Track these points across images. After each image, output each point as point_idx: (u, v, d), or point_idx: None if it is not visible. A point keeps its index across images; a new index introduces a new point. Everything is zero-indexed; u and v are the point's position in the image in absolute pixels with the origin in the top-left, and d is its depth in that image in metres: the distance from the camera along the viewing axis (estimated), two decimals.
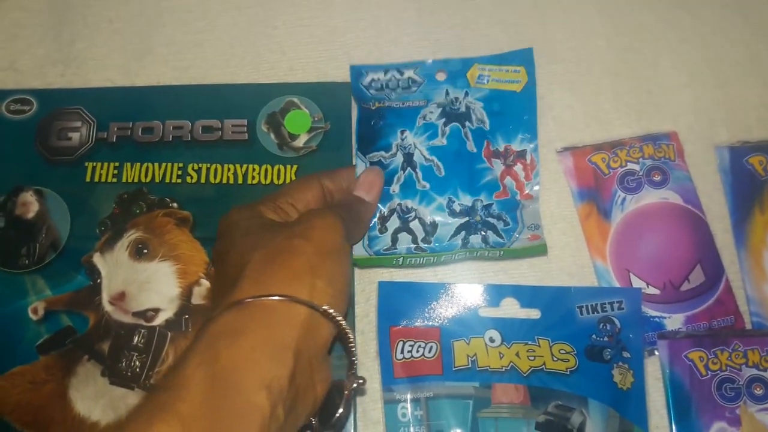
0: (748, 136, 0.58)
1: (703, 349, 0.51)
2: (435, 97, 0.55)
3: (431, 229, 0.52)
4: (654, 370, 0.52)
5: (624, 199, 0.56)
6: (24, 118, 0.57)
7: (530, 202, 0.54)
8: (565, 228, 0.55)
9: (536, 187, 0.54)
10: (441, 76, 0.56)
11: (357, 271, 0.54)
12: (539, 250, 0.53)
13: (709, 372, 0.51)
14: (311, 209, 0.47)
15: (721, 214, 0.56)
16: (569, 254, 0.55)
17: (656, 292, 0.53)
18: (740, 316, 0.53)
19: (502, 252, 0.52)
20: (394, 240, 0.52)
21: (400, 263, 0.52)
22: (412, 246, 0.52)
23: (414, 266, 0.53)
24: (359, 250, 0.52)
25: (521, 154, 0.54)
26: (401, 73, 0.55)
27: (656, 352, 0.52)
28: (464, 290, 0.51)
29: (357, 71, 0.56)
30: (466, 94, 0.55)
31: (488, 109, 0.55)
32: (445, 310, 0.51)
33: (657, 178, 0.56)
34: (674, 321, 0.53)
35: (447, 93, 0.55)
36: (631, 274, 0.54)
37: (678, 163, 0.56)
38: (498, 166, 0.54)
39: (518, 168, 0.54)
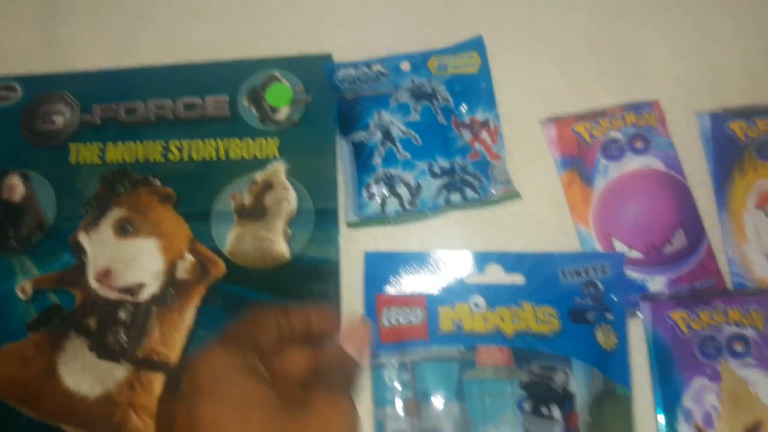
0: (729, 103, 0.58)
1: (685, 310, 0.52)
2: (402, 84, 0.58)
3: (416, 190, 0.54)
4: (637, 331, 0.52)
5: (607, 166, 0.56)
6: (9, 104, 0.58)
7: (498, 162, 0.56)
8: (549, 196, 0.56)
9: (502, 149, 0.56)
10: (405, 67, 0.58)
11: (344, 242, 0.54)
12: (513, 196, 0.55)
13: (691, 331, 0.51)
14: (318, 389, 0.38)
15: (703, 179, 0.56)
16: (553, 221, 0.55)
17: (639, 255, 0.54)
18: (721, 277, 0.53)
19: (480, 204, 0.55)
20: (383, 205, 0.54)
21: (391, 222, 0.54)
22: (400, 209, 0.54)
23: (404, 223, 0.55)
24: (351, 217, 0.54)
25: (485, 123, 0.57)
26: (369, 68, 0.58)
27: (639, 314, 0.52)
28: (449, 258, 0.52)
29: (329, 69, 0.58)
30: (429, 80, 0.58)
31: (450, 90, 0.58)
32: (430, 278, 0.51)
33: (639, 145, 0.56)
34: (657, 283, 0.53)
35: (412, 81, 0.58)
36: (614, 239, 0.54)
37: (660, 130, 0.57)
38: (467, 135, 0.56)
39: (484, 135, 0.57)
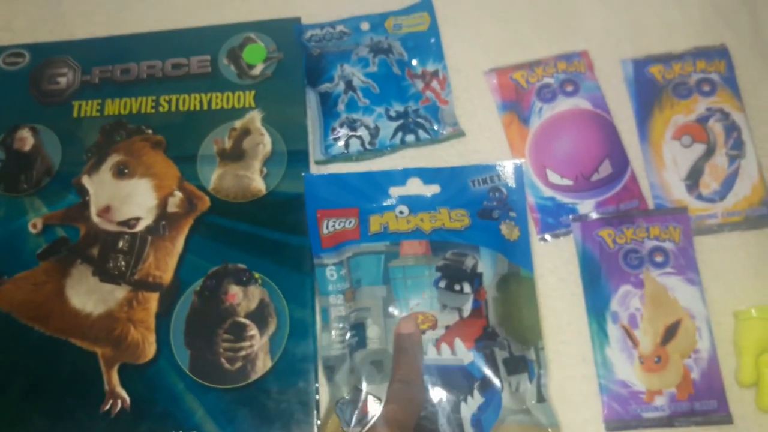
0: (649, 51, 0.66)
1: (611, 228, 0.59)
2: (362, 42, 0.66)
3: (375, 132, 0.62)
4: (569, 247, 0.60)
5: (541, 108, 0.64)
6: (18, 68, 0.66)
7: (447, 107, 0.64)
8: (491, 135, 0.64)
9: (450, 95, 0.64)
10: (365, 27, 0.67)
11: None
12: (459, 135, 0.63)
13: (617, 245, 0.59)
14: None
15: (627, 116, 0.64)
16: (494, 156, 0.63)
17: (570, 183, 0.61)
18: (644, 199, 0.61)
19: (431, 143, 0.63)
20: (347, 145, 0.62)
21: (354, 160, 0.63)
22: (361, 148, 0.62)
23: (365, 160, 0.63)
24: (318, 156, 0.62)
25: (434, 74, 0.65)
26: (333, 28, 0.67)
27: (571, 234, 0.60)
28: (378, 176, 0.60)
29: (299, 29, 0.66)
30: (386, 37, 0.66)
31: (404, 45, 0.66)
32: (362, 193, 0.59)
33: (569, 88, 0.64)
34: (586, 206, 0.61)
35: (371, 39, 0.66)
36: (547, 170, 0.62)
37: (588, 75, 0.65)
38: (419, 84, 0.65)
39: (434, 83, 0.65)
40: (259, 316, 0.57)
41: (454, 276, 0.55)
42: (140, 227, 0.60)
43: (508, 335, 0.54)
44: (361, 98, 0.63)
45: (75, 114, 0.64)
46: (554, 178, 0.62)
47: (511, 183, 0.59)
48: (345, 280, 0.56)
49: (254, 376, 0.55)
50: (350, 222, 0.57)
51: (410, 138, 0.62)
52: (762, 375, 0.54)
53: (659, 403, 0.54)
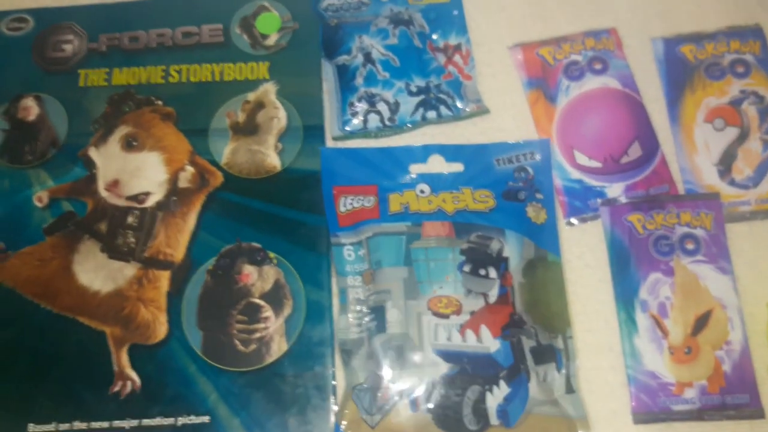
0: (680, 30, 0.63)
1: (641, 213, 0.57)
2: (382, 12, 0.63)
3: (395, 107, 0.60)
4: (597, 232, 0.57)
5: (568, 86, 0.61)
6: (22, 34, 0.63)
7: (470, 83, 0.62)
8: (516, 113, 0.61)
9: (473, 70, 0.62)
10: None
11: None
12: (483, 112, 0.61)
13: (647, 231, 0.57)
14: None
15: (657, 97, 0.61)
16: (519, 135, 0.60)
17: (598, 165, 0.59)
18: (674, 184, 0.59)
19: (453, 120, 0.60)
20: (365, 121, 0.60)
21: (372, 136, 0.60)
22: (381, 125, 0.59)
23: (384, 137, 0.60)
24: (336, 132, 0.59)
25: (457, 48, 0.63)
26: None
27: (599, 218, 0.58)
28: (397, 152, 0.57)
29: None
30: (407, 9, 0.63)
31: (426, 17, 0.63)
32: (381, 170, 0.57)
33: (598, 66, 0.62)
34: (615, 189, 0.58)
35: (391, 9, 0.63)
36: (575, 151, 0.59)
37: (617, 53, 0.62)
38: (441, 58, 0.62)
39: (457, 58, 0.62)
40: (274, 298, 0.55)
41: (479, 260, 0.53)
42: (150, 202, 0.58)
43: (535, 323, 0.53)
44: (380, 71, 0.61)
45: (81, 83, 0.61)
46: (582, 159, 0.59)
47: (538, 162, 0.57)
48: (364, 260, 0.54)
49: (269, 360, 0.53)
50: (369, 200, 0.55)
51: (431, 114, 0.60)
52: None
53: (689, 395, 0.53)
